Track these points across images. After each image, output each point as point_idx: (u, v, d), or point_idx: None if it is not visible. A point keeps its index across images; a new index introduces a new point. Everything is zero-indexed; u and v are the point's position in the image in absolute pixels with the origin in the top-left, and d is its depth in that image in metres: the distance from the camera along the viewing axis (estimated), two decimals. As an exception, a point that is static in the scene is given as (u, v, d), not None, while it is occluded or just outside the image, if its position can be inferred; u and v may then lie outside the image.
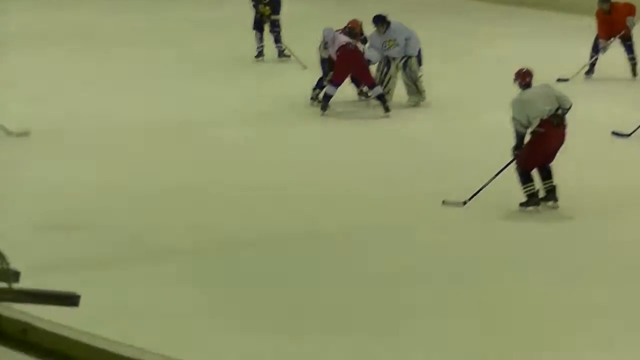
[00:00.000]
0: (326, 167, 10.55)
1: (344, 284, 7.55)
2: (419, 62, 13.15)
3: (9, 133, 10.99)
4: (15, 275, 1.87)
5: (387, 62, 13.10)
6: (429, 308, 7.23)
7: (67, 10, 19.01)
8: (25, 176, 9.97)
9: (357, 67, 12.53)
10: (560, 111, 9.09)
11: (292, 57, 15.14)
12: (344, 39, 12.59)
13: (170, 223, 8.91)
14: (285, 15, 15.21)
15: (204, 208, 9.27)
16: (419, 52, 13.24)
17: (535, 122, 9.02)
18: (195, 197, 9.45)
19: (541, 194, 8.99)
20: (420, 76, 12.91)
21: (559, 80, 13.03)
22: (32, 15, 18.26)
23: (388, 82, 13.09)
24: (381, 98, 12.38)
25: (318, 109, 12.62)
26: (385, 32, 13.00)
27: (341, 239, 8.73)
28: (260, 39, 15.48)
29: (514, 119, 8.97)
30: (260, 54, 15.34)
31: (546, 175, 9.09)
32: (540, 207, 9.01)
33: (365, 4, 15.98)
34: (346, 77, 12.76)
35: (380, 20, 13.11)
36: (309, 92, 12.90)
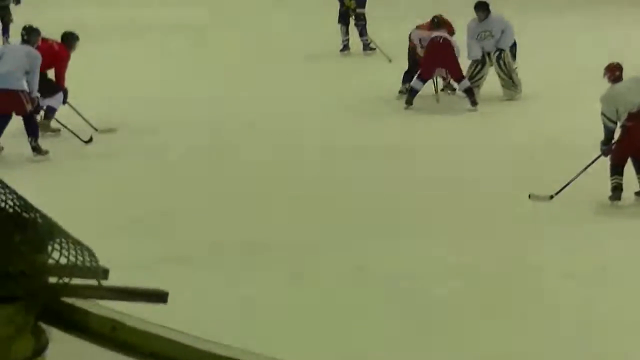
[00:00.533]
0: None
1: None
2: (514, 56, 13.01)
3: (96, 130, 11.30)
4: (104, 273, 1.79)
5: (482, 56, 12.91)
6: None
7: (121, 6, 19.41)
8: (114, 173, 10.22)
9: (447, 60, 12.36)
10: None
11: (377, 50, 15.11)
12: (431, 33, 12.48)
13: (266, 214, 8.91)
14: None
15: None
16: (514, 44, 13.09)
17: (624, 116, 8.98)
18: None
19: (637, 189, 8.91)
20: (516, 68, 12.73)
21: None
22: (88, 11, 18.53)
23: (478, 76, 12.88)
24: (469, 91, 12.22)
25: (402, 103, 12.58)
26: (484, 20, 12.85)
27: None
28: (346, 32, 15.55)
29: (602, 114, 9.00)
30: (345, 47, 15.46)
31: None
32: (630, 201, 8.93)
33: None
34: (434, 71, 12.52)
35: (482, 7, 12.88)
36: (394, 85, 12.83)
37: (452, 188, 9.33)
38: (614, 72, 9.11)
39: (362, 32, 15.41)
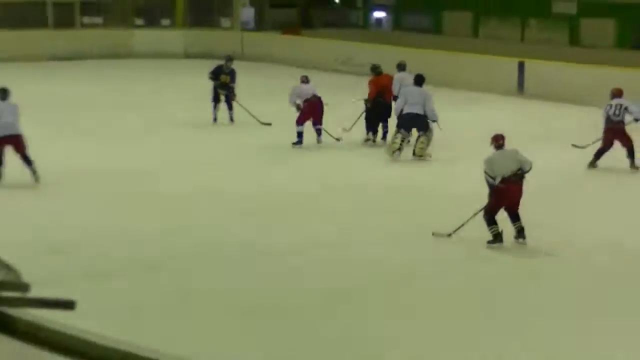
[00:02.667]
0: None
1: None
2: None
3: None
4: (26, 287, 2.28)
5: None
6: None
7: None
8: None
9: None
10: (519, 172, 11.50)
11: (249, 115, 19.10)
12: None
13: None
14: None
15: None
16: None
17: (499, 178, 11.40)
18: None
19: (513, 234, 11.46)
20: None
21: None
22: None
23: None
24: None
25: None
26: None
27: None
28: (216, 107, 19.42)
29: (485, 172, 11.47)
30: (215, 120, 19.48)
31: (514, 218, 11.47)
32: (508, 244, 11.48)
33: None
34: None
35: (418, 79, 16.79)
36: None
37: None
38: (498, 141, 11.69)
39: (230, 106, 19.35)
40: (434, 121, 16.45)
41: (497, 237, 11.41)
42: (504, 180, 11.57)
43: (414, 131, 16.36)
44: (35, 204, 13.70)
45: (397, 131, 16.32)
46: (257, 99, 20.08)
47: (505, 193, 11.65)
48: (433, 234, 12.01)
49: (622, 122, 15.90)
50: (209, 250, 11.82)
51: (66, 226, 12.32)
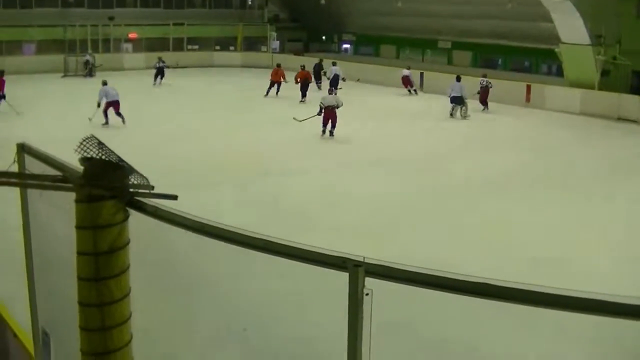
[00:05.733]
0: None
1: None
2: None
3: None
4: (152, 187, 3.75)
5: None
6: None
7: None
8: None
9: None
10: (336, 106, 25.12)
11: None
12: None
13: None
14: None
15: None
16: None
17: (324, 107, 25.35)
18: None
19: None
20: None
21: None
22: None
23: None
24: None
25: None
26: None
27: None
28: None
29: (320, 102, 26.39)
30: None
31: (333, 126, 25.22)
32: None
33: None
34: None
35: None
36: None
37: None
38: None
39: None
40: (466, 99, 30.53)
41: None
42: (327, 108, 24.36)
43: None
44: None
45: (452, 105, 30.76)
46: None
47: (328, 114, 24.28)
48: (294, 118, 25.76)
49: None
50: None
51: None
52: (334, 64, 39.45)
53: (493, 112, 32.34)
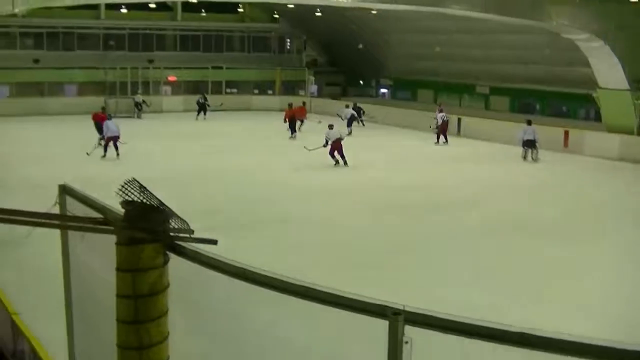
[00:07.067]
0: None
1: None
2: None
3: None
4: (192, 231, 3.80)
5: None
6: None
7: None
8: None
9: None
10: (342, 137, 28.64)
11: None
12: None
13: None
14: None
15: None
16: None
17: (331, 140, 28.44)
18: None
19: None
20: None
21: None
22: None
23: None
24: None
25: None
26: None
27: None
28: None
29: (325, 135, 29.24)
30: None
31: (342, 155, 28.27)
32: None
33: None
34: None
35: None
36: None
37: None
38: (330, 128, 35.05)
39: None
40: (537, 142, 31.07)
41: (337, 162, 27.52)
42: (334, 140, 27.57)
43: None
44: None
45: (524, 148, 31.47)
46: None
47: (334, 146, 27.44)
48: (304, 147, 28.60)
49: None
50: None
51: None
52: (347, 106, 42.11)
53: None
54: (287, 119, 37.77)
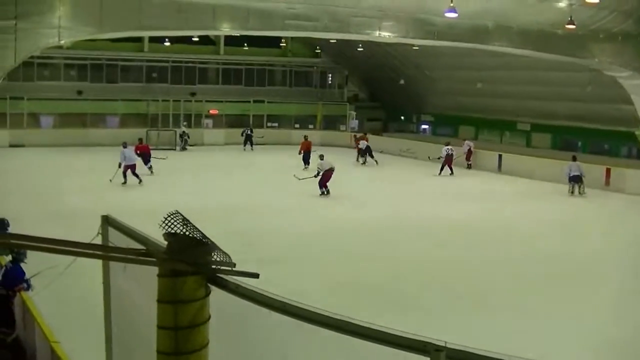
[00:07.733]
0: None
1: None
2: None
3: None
4: (233, 264, 3.82)
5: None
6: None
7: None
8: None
9: None
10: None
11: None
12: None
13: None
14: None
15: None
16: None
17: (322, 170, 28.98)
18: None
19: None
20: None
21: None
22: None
23: None
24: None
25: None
26: None
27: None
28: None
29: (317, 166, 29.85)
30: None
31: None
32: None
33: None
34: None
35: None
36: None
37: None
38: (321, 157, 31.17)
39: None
40: (584, 177, 31.79)
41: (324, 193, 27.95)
42: (326, 170, 28.27)
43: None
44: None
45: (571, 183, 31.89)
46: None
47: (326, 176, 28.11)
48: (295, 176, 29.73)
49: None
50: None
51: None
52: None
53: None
54: (301, 151, 39.08)
